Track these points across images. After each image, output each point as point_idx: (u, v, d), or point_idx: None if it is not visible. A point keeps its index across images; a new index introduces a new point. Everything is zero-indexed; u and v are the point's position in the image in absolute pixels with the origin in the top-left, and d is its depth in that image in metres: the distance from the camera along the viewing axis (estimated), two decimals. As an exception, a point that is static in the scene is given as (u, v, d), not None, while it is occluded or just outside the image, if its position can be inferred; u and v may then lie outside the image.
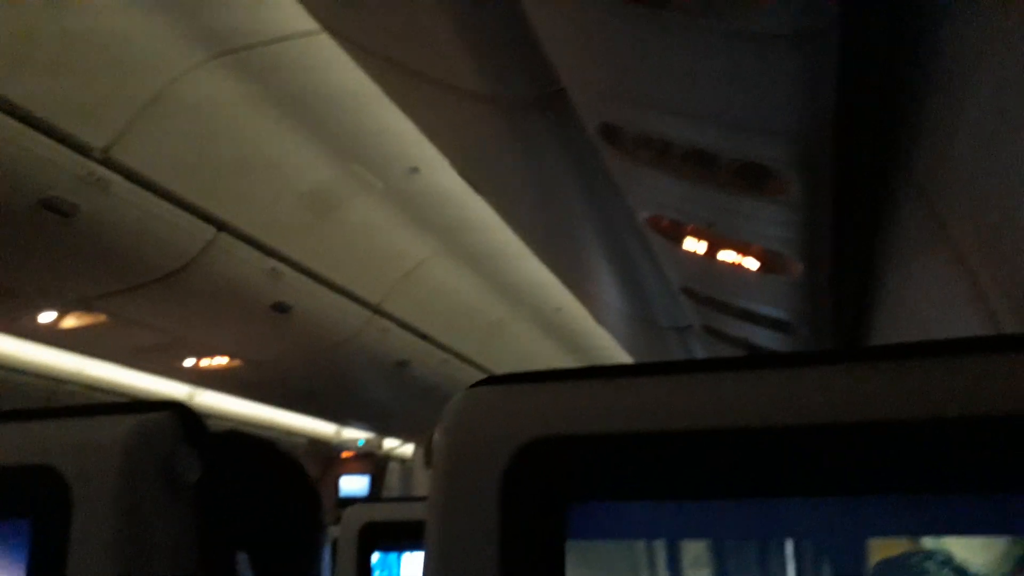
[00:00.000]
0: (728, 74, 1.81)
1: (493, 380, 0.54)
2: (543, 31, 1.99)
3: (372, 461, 11.03)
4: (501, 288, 6.26)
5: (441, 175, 4.60)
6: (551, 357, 7.45)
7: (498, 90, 2.44)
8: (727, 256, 2.92)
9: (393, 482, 11.60)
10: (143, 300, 5.09)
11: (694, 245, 2.95)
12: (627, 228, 3.19)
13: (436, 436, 0.52)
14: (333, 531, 1.78)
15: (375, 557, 1.62)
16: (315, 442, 10.17)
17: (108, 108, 3.56)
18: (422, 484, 10.25)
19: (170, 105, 3.65)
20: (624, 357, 7.47)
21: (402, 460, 11.55)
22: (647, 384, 0.50)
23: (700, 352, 4.58)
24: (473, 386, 0.54)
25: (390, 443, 11.14)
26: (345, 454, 10.92)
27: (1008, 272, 1.91)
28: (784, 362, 0.48)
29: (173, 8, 3.19)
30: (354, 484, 11.12)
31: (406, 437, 10.65)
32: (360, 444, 10.61)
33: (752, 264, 2.91)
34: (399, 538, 1.61)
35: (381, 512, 1.72)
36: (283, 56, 3.55)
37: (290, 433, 9.69)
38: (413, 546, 1.61)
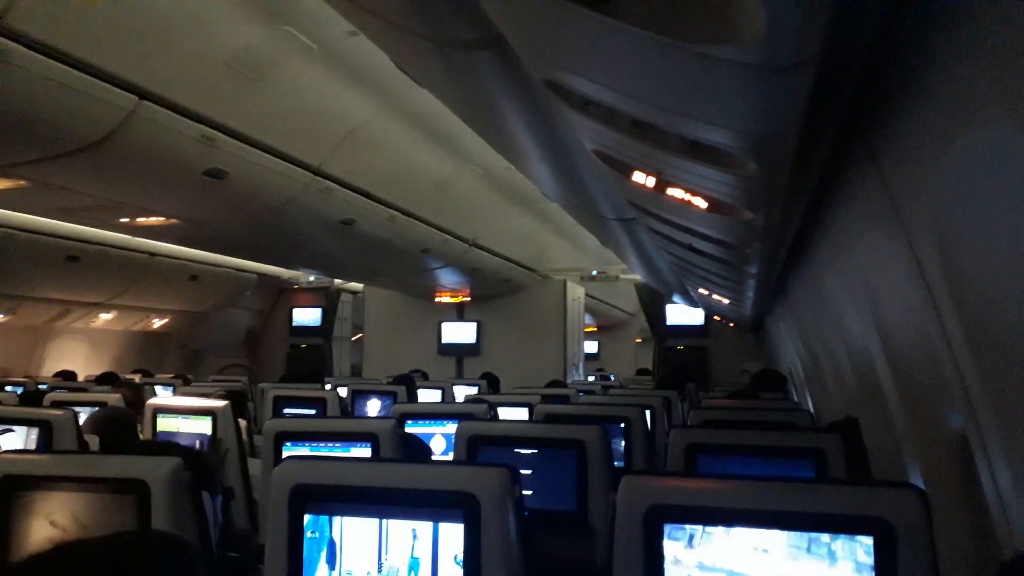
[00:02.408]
0: (687, 83, 1.61)
1: None
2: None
3: (324, 294, 11.08)
4: (447, 147, 5.99)
5: (382, 41, 4.21)
6: (502, 215, 7.31)
7: (437, 31, 2.16)
8: (676, 193, 2.80)
9: (346, 313, 11.75)
10: (64, 169, 4.75)
11: (643, 179, 2.81)
12: (574, 150, 3.01)
13: None
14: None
15: (306, 519, 1.59)
16: (265, 276, 10.11)
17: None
18: (375, 315, 10.34)
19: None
20: (575, 225, 7.34)
21: (354, 292, 11.61)
22: None
23: (646, 240, 4.54)
24: None
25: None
26: (296, 287, 10.92)
27: (951, 263, 1.88)
28: None
29: None
30: (306, 315, 11.23)
31: (357, 280, 10.63)
32: (311, 280, 10.58)
33: (701, 204, 2.79)
34: (331, 500, 1.58)
35: (313, 473, 1.69)
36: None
37: (240, 270, 9.59)
38: (345, 511, 1.58)
